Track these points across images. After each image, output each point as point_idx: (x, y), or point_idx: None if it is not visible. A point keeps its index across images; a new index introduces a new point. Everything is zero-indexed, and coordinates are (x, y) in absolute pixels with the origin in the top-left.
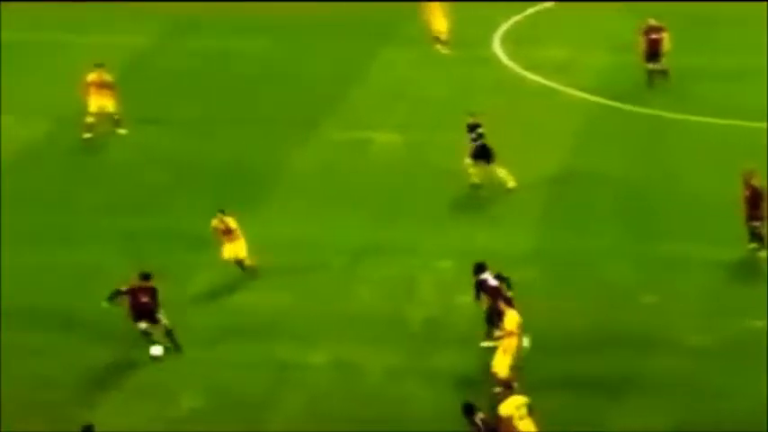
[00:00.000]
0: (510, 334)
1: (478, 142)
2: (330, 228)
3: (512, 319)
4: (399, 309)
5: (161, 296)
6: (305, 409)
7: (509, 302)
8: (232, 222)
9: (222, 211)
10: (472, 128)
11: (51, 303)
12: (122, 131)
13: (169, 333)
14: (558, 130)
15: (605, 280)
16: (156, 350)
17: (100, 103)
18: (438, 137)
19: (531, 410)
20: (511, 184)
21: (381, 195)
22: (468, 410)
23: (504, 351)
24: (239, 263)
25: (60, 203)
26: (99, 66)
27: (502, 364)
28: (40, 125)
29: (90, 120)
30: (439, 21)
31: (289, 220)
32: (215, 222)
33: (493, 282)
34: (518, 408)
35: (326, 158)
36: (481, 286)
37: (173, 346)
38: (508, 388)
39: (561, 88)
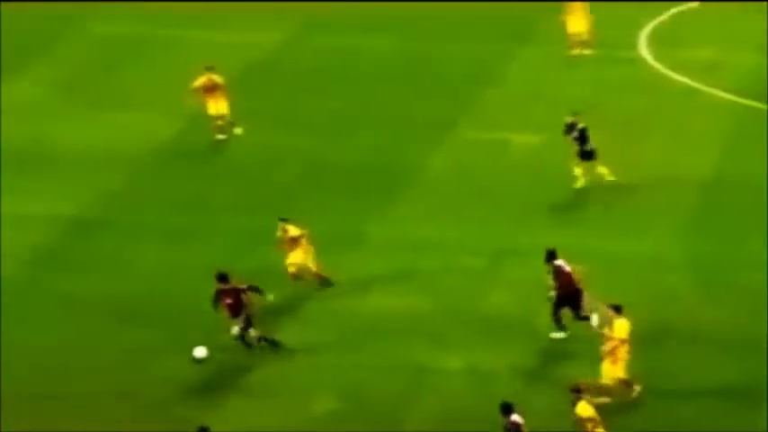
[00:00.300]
0: (622, 342)
1: (585, 147)
2: (466, 229)
3: (622, 327)
4: (536, 313)
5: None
6: (439, 412)
7: (618, 309)
8: (293, 230)
9: (285, 220)
10: (572, 127)
11: (178, 302)
12: (239, 131)
13: (260, 339)
14: (705, 133)
15: (750, 286)
16: (200, 351)
17: (216, 105)
18: None
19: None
20: (580, 184)
21: (518, 197)
22: (506, 410)
23: (614, 360)
24: (295, 276)
25: (192, 202)
26: (209, 68)
27: (610, 373)
28: (171, 123)
29: (219, 122)
30: (579, 21)
31: (424, 222)
32: (278, 232)
33: (567, 267)
34: (592, 410)
35: (463, 159)
36: (558, 272)
37: (270, 345)
38: (577, 392)
39: (708, 90)
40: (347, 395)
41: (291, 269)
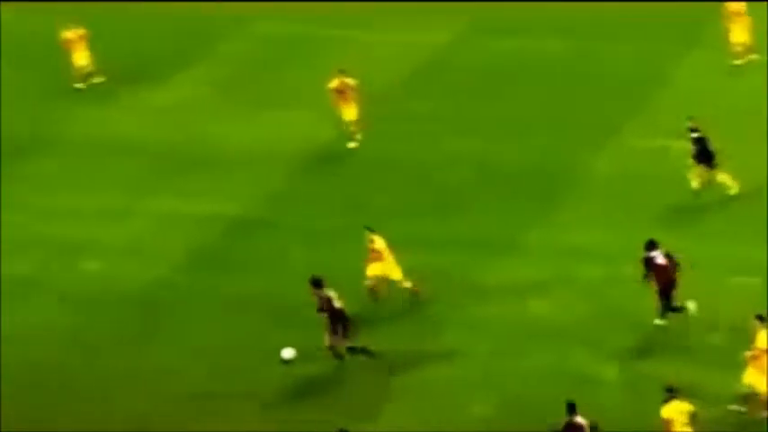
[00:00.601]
0: (763, 352)
1: (698, 146)
2: (625, 237)
3: (764, 338)
4: (695, 325)
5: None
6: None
7: (762, 319)
8: (379, 242)
9: (371, 230)
10: (690, 131)
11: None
12: (355, 142)
13: (353, 350)
14: None
15: None
16: (287, 353)
17: (348, 110)
18: (740, 149)
19: (695, 419)
20: (733, 191)
21: (680, 206)
22: (571, 409)
23: (760, 369)
24: (372, 290)
25: (353, 204)
26: (342, 71)
27: (761, 383)
28: (334, 124)
29: (352, 128)
30: (741, 30)
31: (585, 227)
32: (368, 243)
33: (661, 260)
34: (681, 413)
35: (626, 165)
36: (648, 263)
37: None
38: (670, 392)
39: None
40: (502, 401)
41: (368, 283)
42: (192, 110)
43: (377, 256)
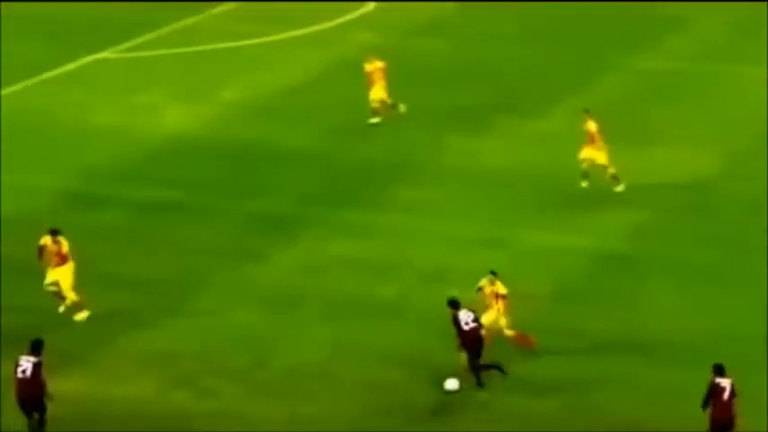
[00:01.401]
0: None
1: None
2: None
3: None
4: None
5: None
6: None
7: None
8: (501, 287)
9: (495, 274)
10: None
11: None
12: (619, 189)
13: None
14: None
15: None
16: (451, 384)
17: (591, 153)
18: None
19: None
20: None
21: None
22: (719, 371)
23: None
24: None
25: (723, 241)
26: (586, 111)
27: None
28: (713, 158)
29: (610, 171)
30: None
31: None
32: (481, 283)
33: None
34: None
35: None
36: None
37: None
38: None
39: None
40: None
41: (484, 332)
42: (566, 142)
43: (495, 302)
